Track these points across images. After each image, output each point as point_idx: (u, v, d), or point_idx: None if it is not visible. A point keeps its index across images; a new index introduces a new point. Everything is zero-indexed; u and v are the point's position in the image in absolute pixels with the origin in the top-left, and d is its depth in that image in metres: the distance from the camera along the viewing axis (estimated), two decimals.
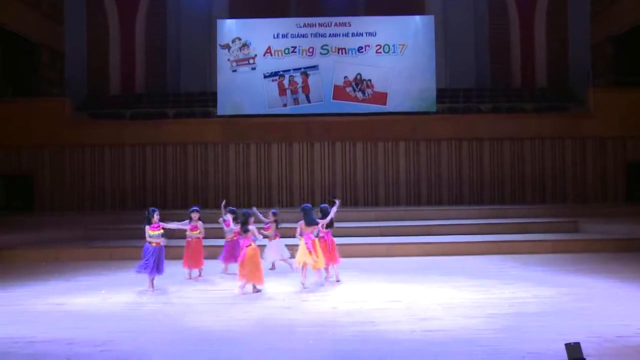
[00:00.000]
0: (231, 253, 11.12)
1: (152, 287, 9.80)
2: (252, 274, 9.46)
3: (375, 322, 7.73)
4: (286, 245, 11.45)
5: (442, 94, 19.52)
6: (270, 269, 11.34)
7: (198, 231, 10.93)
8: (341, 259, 10.61)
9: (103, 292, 9.85)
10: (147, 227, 9.99)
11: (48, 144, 18.53)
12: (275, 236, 11.48)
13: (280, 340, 7.16)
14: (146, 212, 10.13)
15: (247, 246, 9.51)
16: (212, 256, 11.57)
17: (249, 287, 9.59)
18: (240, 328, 7.63)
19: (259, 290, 9.54)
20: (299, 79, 18.75)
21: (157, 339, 7.29)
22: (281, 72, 18.77)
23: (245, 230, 9.56)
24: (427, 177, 18.57)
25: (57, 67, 19.95)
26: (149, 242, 9.93)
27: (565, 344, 4.94)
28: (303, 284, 9.86)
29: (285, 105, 18.79)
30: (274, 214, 11.62)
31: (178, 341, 7.15)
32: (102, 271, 11.95)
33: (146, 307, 8.80)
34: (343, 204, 18.38)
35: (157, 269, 9.83)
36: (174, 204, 18.65)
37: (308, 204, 10.36)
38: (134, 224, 15.82)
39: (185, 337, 7.30)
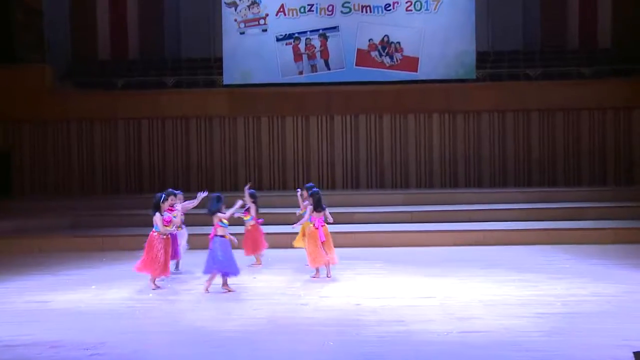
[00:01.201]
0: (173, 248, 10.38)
1: (227, 285, 9.44)
2: (332, 254, 10.24)
3: (405, 321, 7.73)
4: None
5: (483, 58, 19.30)
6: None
7: (172, 225, 10.01)
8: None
9: (93, 287, 9.94)
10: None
11: (27, 118, 18.60)
12: (182, 224, 10.87)
13: (296, 341, 7.18)
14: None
15: (322, 225, 10.21)
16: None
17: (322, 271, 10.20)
18: (250, 327, 7.67)
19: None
20: (316, 42, 18.64)
21: (156, 341, 7.35)
22: (296, 35, 18.67)
23: (322, 209, 10.26)
24: (464, 154, 18.44)
25: (35, 28, 19.81)
26: (222, 236, 9.32)
27: (634, 353, 4.78)
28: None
29: (301, 72, 18.72)
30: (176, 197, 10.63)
31: (180, 343, 7.20)
32: (92, 264, 12.05)
33: (143, 305, 8.87)
34: (368, 185, 18.49)
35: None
36: (175, 186, 18.68)
37: (312, 185, 10.86)
38: (128, 209, 15.95)
39: (187, 338, 7.34)
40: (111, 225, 14.91)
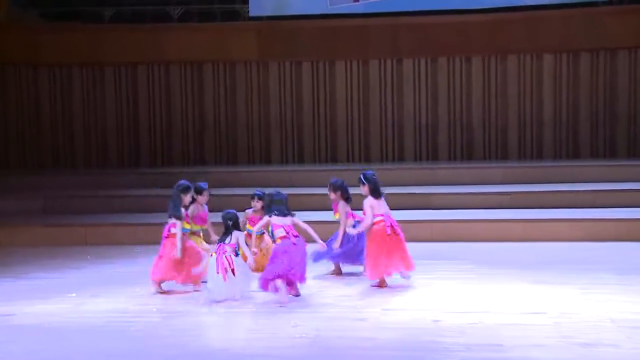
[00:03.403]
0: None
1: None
2: None
3: (503, 345, 7.64)
4: None
5: None
6: None
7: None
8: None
9: (73, 295, 10.02)
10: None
11: None
12: None
13: None
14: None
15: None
16: None
17: None
18: (289, 350, 7.65)
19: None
20: None
21: None
22: None
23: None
24: (589, 111, 18.20)
25: None
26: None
27: None
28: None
29: None
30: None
31: None
32: (71, 263, 12.16)
33: (142, 319, 8.90)
34: (450, 156, 18.31)
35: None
36: (184, 158, 18.83)
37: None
38: (120, 189, 16.07)
39: None
40: (97, 211, 15.07)
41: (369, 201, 10.19)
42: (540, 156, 18.26)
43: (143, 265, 11.56)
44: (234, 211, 9.89)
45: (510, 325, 8.30)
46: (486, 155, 18.45)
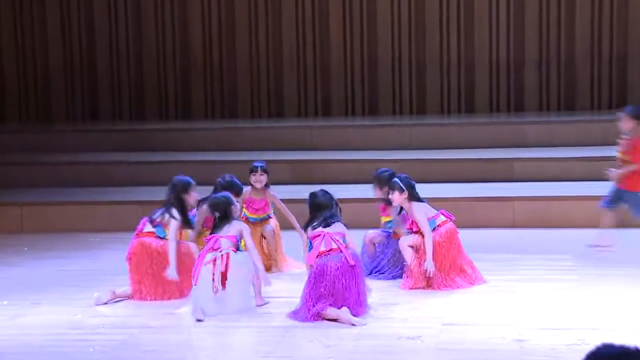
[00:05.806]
0: None
1: None
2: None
3: None
4: None
5: None
6: None
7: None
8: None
9: (4, 303, 10.17)
10: None
11: None
12: None
13: None
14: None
15: None
16: None
17: None
18: None
19: None
20: None
21: None
22: None
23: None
24: None
25: None
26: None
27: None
28: None
29: None
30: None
31: None
32: (1, 257, 12.33)
33: (103, 337, 9.02)
34: (542, 105, 18.16)
35: None
36: (162, 110, 18.85)
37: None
38: (70, 154, 16.13)
39: None
40: (38, 184, 15.20)
41: (419, 207, 10.39)
42: None
43: (102, 261, 11.72)
44: (227, 195, 9.99)
45: None
46: (594, 104, 18.32)
